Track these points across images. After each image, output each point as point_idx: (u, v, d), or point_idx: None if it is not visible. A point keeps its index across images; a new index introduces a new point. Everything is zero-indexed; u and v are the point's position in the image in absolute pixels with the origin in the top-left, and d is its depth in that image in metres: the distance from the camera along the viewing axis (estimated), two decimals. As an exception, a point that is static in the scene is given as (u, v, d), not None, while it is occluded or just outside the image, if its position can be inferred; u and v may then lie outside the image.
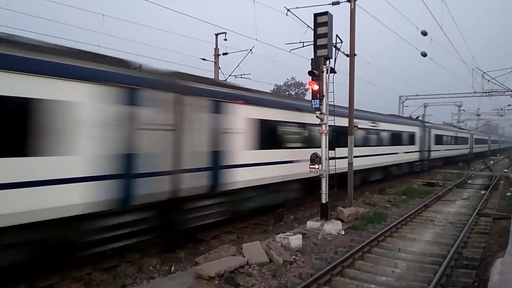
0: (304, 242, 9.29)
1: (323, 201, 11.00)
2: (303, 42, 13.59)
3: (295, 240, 8.96)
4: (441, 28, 18.82)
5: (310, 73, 10.65)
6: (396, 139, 22.70)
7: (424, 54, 22.28)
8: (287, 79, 59.29)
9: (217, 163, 9.86)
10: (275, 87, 56.17)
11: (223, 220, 10.76)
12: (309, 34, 11.90)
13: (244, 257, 8.02)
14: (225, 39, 22.17)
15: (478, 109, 55.27)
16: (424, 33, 19.60)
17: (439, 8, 18.07)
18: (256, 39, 18.31)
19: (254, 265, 7.76)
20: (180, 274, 7.44)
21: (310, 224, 10.81)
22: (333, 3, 13.50)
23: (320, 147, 11.01)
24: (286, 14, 13.79)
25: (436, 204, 15.40)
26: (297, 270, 7.61)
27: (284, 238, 9.02)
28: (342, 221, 11.47)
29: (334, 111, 11.39)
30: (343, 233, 10.57)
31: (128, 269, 7.99)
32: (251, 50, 21.27)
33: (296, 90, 58.31)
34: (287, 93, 55.37)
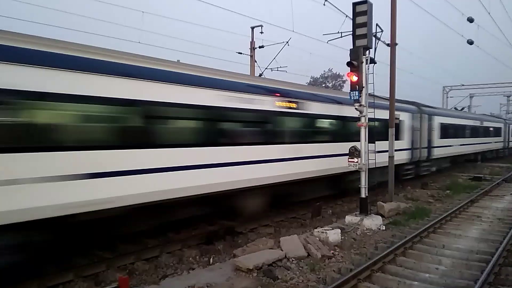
0: (343, 237, 9.14)
1: (363, 195, 10.76)
2: (341, 33, 13.25)
3: (334, 235, 8.83)
4: (489, 13, 17.79)
5: (349, 64, 10.39)
6: (492, 132, 33.55)
7: (470, 42, 21.17)
8: (324, 71, 58.44)
9: (429, 145, 20.72)
10: (311, 80, 55.54)
11: (261, 213, 11.06)
12: (347, 24, 11.60)
13: (282, 250, 8.00)
14: (261, 32, 22.04)
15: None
16: (471, 20, 18.58)
17: (487, -7, 17.07)
18: (293, 31, 18.12)
19: (292, 258, 7.73)
20: (219, 266, 7.54)
21: (349, 218, 10.62)
22: (373, -9, 13.05)
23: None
24: (324, 4, 13.49)
25: (483, 200, 14.67)
26: (336, 265, 7.50)
27: (322, 232, 8.91)
28: (382, 216, 11.17)
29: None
30: (384, 228, 10.30)
31: (169, 260, 8.21)
32: (287, 42, 21.06)
33: (333, 82, 57.35)
34: (323, 85, 54.55)
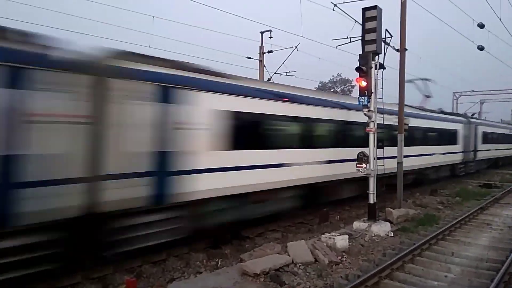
0: (350, 243, 9.08)
1: (371, 201, 10.70)
2: (350, 38, 13.29)
3: (341, 241, 8.79)
4: (500, 19, 17.63)
5: (357, 69, 10.38)
6: None
7: (481, 48, 20.93)
8: (333, 76, 58.29)
9: (475, 149, 25.93)
10: (320, 84, 55.48)
11: (267, 218, 11.09)
12: (356, 29, 11.64)
13: (289, 255, 7.98)
14: (270, 37, 22.13)
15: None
16: (481, 26, 18.42)
17: (498, -2, 16.94)
18: (302, 36, 18.15)
19: (299, 264, 7.71)
20: (226, 270, 7.54)
21: (357, 224, 10.56)
22: (383, -3, 13.04)
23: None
24: (333, 9, 13.50)
25: (493, 207, 14.48)
26: (343, 271, 7.46)
27: (330, 238, 8.87)
28: (391, 222, 11.09)
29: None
30: (392, 235, 10.22)
31: (176, 263, 8.23)
32: (296, 47, 21.10)
33: (342, 87, 57.20)
34: (332, 90, 54.41)
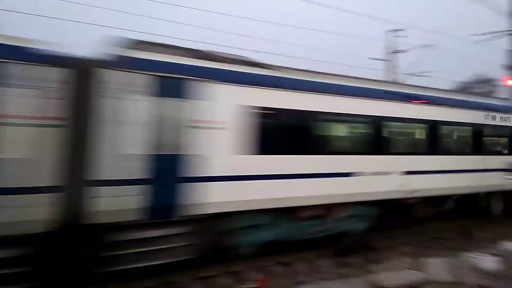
0: (502, 266, 7.92)
1: (526, 219, 9.19)
2: (497, 32, 11.67)
3: (488, 261, 7.73)
4: None
5: (508, 67, 9.08)
6: None
7: None
8: (473, 74, 52.18)
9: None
10: (462, 84, 50.25)
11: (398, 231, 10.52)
12: (503, 23, 10.16)
13: (422, 272, 7.37)
14: (400, 36, 20.96)
15: None
16: None
17: None
18: (438, 33, 16.68)
19: (435, 283, 7.04)
20: (352, 280, 7.32)
21: (509, 245, 9.16)
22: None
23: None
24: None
25: None
26: (492, 297, 6.56)
27: (474, 257, 7.89)
28: (554, 245, 9.34)
29: None
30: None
31: (303, 267, 8.32)
32: (430, 45, 19.53)
33: (484, 88, 50.77)
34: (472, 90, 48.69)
